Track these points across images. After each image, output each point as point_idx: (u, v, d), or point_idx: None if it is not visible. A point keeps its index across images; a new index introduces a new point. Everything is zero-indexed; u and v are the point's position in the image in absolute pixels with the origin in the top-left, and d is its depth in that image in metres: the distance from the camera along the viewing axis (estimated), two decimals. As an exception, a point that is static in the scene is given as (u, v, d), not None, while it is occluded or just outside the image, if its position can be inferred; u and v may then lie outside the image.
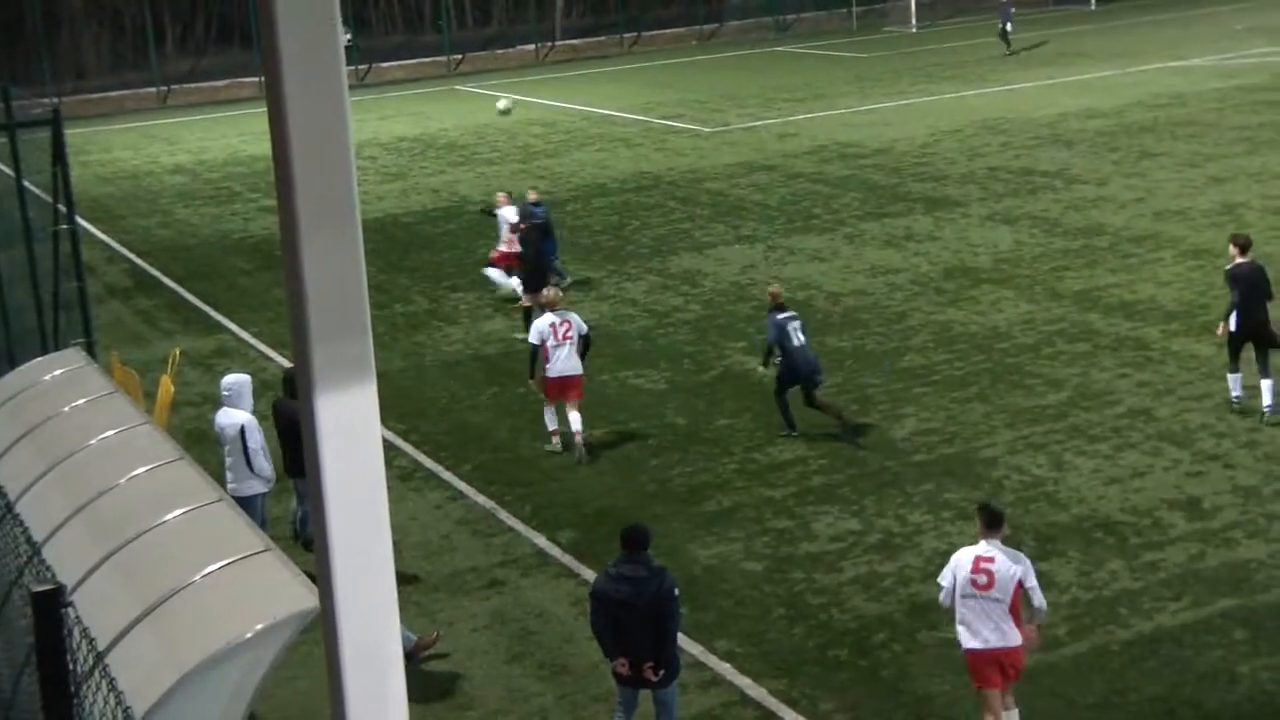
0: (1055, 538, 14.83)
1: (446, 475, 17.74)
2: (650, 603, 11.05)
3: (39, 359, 15.37)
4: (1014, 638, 11.07)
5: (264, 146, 40.91)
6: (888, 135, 37.78)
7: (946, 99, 43.06)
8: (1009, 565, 11.02)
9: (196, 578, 8.91)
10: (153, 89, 56.44)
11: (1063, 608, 13.43)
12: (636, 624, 11.09)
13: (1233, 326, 17.26)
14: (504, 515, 16.47)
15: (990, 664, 11.11)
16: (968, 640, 11.16)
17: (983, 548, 11.17)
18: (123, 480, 10.69)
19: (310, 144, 3.55)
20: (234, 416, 14.97)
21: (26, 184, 18.64)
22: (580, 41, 64.30)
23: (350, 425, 3.78)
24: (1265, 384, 17.30)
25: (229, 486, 14.58)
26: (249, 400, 15.21)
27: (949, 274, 24.57)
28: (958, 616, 11.20)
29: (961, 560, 11.21)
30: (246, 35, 57.48)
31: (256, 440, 14.88)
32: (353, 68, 54.37)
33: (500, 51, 62.56)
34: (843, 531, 15.39)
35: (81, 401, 12.78)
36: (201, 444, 17.74)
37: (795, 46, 60.50)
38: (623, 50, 63.22)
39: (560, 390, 17.80)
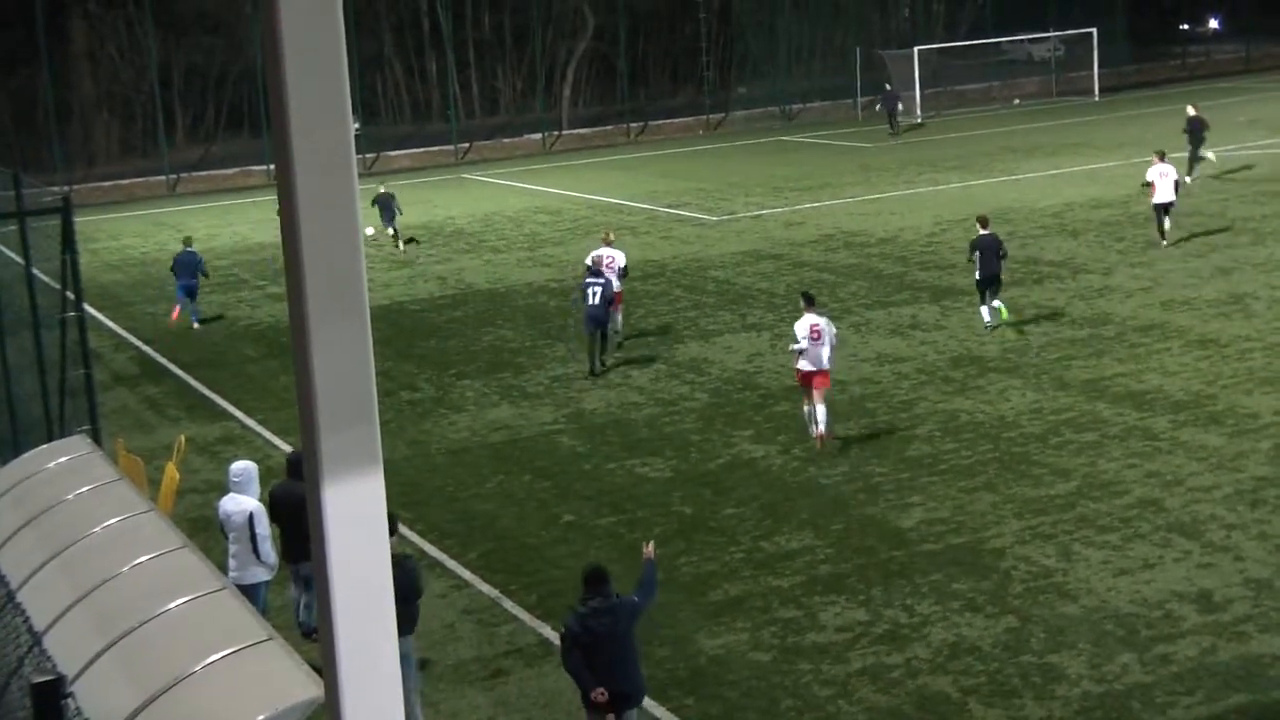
0: (1065, 629, 14.70)
1: (451, 564, 17.63)
2: (626, 629, 12.21)
3: (43, 446, 15.32)
4: (827, 364, 20.26)
5: (271, 234, 41.16)
6: (894, 224, 37.95)
7: (952, 188, 43.32)
8: (826, 325, 20.33)
9: (198, 667, 8.82)
10: (162, 177, 56.84)
11: (1074, 701, 13.29)
12: (616, 650, 12.10)
13: (978, 276, 26.12)
14: (509, 604, 16.35)
15: (810, 377, 20.21)
16: (802, 366, 20.23)
17: (811, 318, 20.24)
18: (125, 569, 10.61)
19: (320, 232, 3.54)
20: (242, 503, 14.92)
21: (35, 271, 18.70)
22: (587, 131, 64.81)
23: (357, 514, 3.75)
24: (987, 309, 26.23)
25: (231, 574, 14.51)
26: (256, 487, 15.19)
27: (956, 363, 24.56)
28: (801, 355, 20.07)
29: (801, 327, 20.21)
30: (256, 124, 57.99)
31: (264, 527, 14.84)
32: (360, 156, 54.75)
33: (507, 140, 63.08)
34: (850, 622, 15.26)
35: (85, 489, 12.72)
36: (206, 531, 17.66)
37: (801, 136, 60.96)
38: (629, 139, 63.72)
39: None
